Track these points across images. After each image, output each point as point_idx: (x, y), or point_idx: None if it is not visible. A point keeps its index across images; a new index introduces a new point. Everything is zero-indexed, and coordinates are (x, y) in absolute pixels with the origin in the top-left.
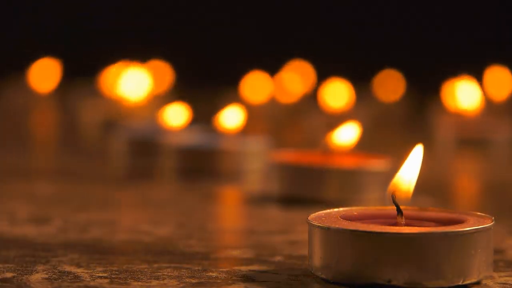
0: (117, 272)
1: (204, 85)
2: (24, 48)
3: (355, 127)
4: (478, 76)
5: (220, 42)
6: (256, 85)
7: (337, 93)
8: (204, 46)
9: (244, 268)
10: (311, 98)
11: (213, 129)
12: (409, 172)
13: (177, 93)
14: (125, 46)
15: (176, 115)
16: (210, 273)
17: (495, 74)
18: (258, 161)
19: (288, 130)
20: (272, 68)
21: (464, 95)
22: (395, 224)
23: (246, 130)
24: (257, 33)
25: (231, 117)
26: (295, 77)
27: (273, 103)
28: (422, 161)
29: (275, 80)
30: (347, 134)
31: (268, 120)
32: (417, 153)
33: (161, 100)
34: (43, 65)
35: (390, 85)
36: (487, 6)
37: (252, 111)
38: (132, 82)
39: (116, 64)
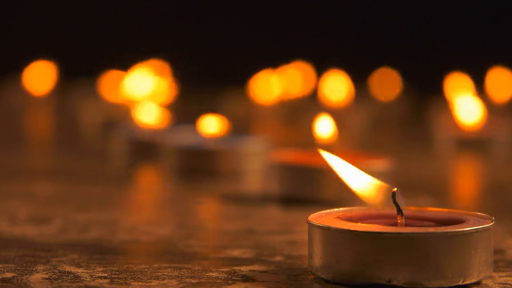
0: (117, 272)
1: (207, 86)
2: (22, 50)
3: (329, 120)
4: (478, 76)
5: (221, 43)
6: (265, 86)
7: (337, 87)
8: (205, 47)
9: (244, 268)
10: (311, 98)
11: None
12: (355, 177)
13: (178, 94)
14: (125, 47)
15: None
16: (210, 273)
17: (497, 76)
18: (258, 161)
19: (288, 130)
20: (273, 69)
21: (465, 109)
22: (395, 224)
23: (253, 130)
24: (257, 34)
25: (211, 124)
26: (295, 78)
27: (281, 104)
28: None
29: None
30: (324, 127)
31: (275, 120)
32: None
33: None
34: (40, 67)
35: (387, 84)
36: (487, 6)
37: (260, 112)
38: (137, 87)
39: (115, 70)
